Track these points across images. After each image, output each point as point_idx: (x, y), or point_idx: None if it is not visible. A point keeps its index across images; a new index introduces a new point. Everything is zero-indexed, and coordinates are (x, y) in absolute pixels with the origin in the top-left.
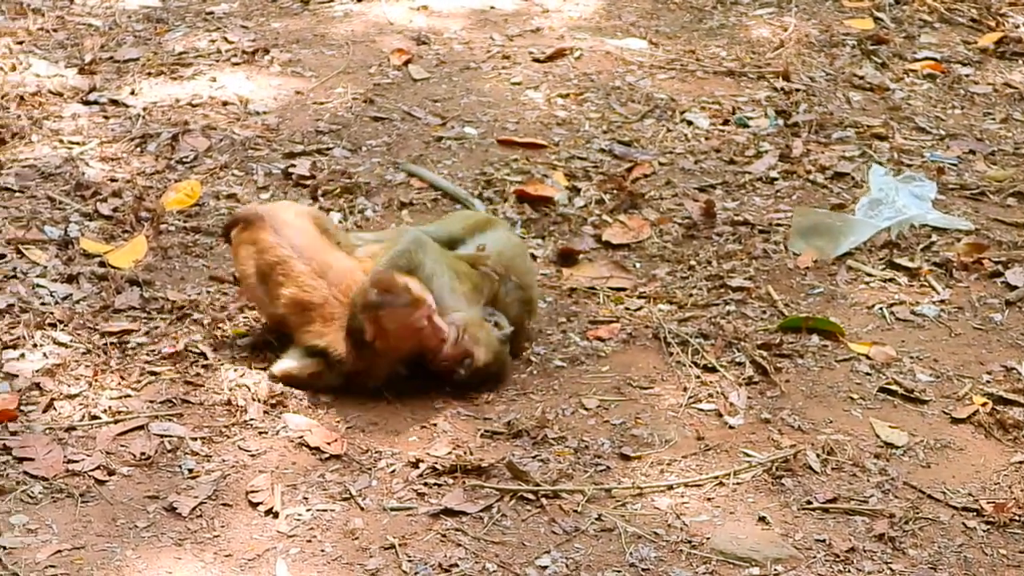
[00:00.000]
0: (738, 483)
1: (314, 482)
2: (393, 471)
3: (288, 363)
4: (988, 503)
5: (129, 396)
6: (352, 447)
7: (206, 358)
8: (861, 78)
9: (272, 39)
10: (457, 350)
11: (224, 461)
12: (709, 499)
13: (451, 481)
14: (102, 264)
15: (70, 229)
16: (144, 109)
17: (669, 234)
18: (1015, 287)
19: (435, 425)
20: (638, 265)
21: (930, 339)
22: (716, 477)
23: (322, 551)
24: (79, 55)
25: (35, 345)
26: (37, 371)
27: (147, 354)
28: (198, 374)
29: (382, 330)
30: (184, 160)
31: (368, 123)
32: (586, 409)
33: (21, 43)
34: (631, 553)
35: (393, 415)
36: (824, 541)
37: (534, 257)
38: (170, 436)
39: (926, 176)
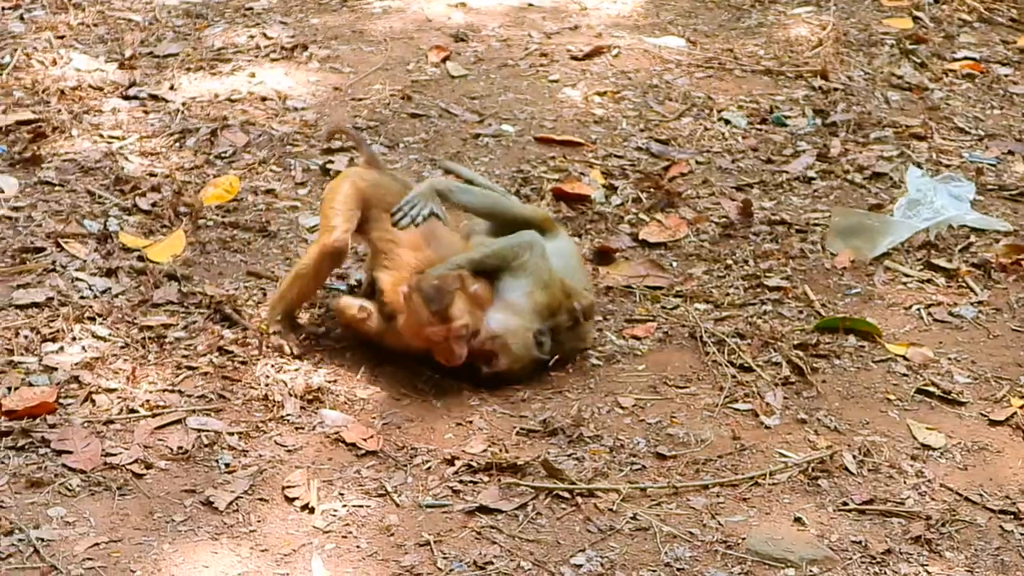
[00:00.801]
0: (774, 483)
1: (350, 478)
2: (429, 468)
3: (348, 300)
4: None
5: (167, 390)
6: (388, 443)
7: (243, 353)
8: (900, 78)
9: (311, 35)
10: (483, 348)
11: (261, 456)
12: (744, 499)
13: (486, 478)
14: (141, 258)
15: (109, 223)
16: (183, 104)
17: (706, 233)
18: None
19: (471, 422)
20: (675, 264)
21: (968, 340)
22: (752, 477)
23: (357, 547)
24: (119, 50)
25: (74, 338)
26: (76, 364)
27: (185, 348)
28: (236, 369)
29: (410, 312)
30: (223, 155)
31: (406, 120)
32: (622, 408)
33: (62, 37)
34: (666, 552)
35: (429, 412)
36: (860, 543)
37: None
38: (207, 430)
39: (964, 176)
